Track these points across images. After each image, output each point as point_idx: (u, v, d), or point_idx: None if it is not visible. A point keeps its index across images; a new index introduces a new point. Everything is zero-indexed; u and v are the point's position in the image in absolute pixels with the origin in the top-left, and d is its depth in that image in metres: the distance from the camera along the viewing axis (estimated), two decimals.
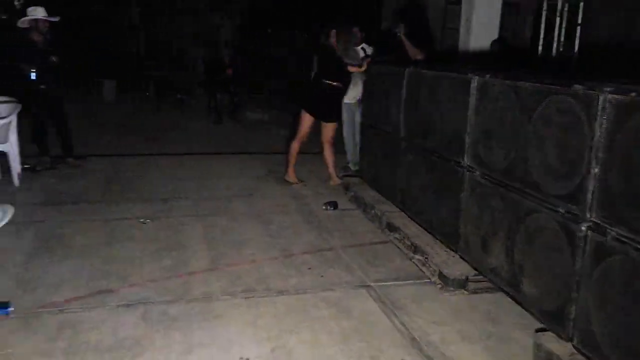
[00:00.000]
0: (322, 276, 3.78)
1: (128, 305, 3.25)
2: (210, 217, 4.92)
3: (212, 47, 13.84)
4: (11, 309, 3.10)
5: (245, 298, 3.41)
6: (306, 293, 3.51)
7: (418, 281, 3.76)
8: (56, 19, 6.26)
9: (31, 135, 6.45)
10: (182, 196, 5.53)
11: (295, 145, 6.07)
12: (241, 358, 2.77)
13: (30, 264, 3.78)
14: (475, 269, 3.59)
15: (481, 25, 7.35)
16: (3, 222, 2.20)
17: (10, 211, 2.25)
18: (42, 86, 6.19)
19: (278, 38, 14.71)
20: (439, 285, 3.65)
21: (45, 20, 6.15)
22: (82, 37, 13.40)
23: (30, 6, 6.27)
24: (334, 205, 5.34)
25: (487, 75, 3.47)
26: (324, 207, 5.31)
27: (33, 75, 6.12)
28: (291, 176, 6.13)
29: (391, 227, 4.59)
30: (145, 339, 2.89)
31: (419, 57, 6.17)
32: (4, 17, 6.69)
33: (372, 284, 3.68)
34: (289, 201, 5.53)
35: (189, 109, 11.78)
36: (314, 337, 2.99)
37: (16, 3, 14.61)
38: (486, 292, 3.53)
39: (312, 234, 4.64)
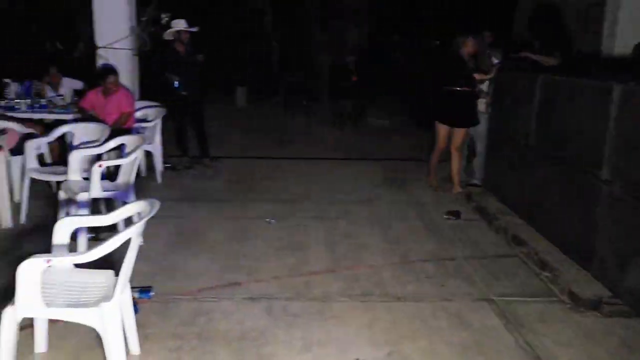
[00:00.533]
0: (442, 285, 3.73)
1: (253, 299, 3.44)
2: (332, 220, 5.05)
3: (340, 54, 14.16)
4: (152, 293, 3.42)
5: (363, 301, 3.46)
6: (424, 301, 3.49)
7: (545, 299, 3.57)
8: (195, 29, 6.79)
9: (175, 137, 7.04)
10: (306, 199, 5.72)
11: (434, 158, 6.12)
12: (357, 359, 2.82)
13: (170, 255, 4.15)
14: (611, 291, 3.33)
15: (628, 27, 6.78)
16: (150, 215, 2.45)
17: (156, 205, 2.50)
18: (185, 93, 6.73)
19: (406, 45, 14.66)
20: (569, 305, 3.43)
21: (186, 31, 6.69)
22: (219, 46, 14.36)
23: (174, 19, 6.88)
24: (457, 214, 5.23)
25: (631, 83, 3.22)
26: (445, 216, 5.22)
27: (177, 84, 6.66)
28: (433, 182, 6.16)
29: (517, 241, 4.40)
30: (268, 332, 3.05)
31: (552, 63, 5.85)
32: (152, 29, 7.36)
33: (494, 298, 3.56)
34: (409, 208, 5.51)
35: (314, 115, 12.15)
36: (432, 346, 2.96)
37: (163, 16, 16.11)
38: (622, 316, 3.26)
39: (432, 242, 4.58)
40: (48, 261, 2.26)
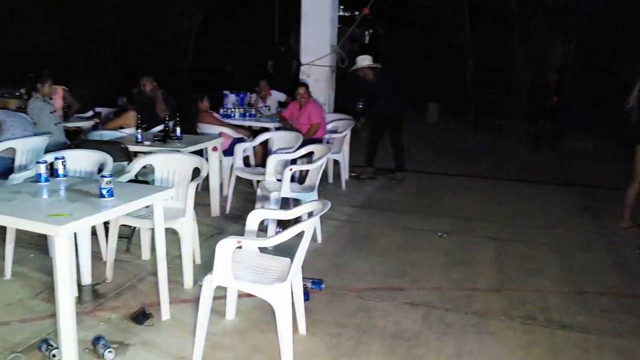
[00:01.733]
0: (616, 321, 3.49)
1: (413, 304, 3.63)
2: (506, 242, 4.98)
3: (542, 71, 13.48)
4: (323, 286, 3.82)
5: (523, 323, 3.42)
6: (591, 333, 3.32)
7: None
8: (377, 65, 7.08)
9: (366, 148, 7.44)
10: (484, 218, 5.69)
11: (632, 189, 5.39)
12: None
13: (343, 254, 4.54)
14: None
15: None
16: (321, 213, 2.81)
17: (327, 205, 2.86)
18: (388, 111, 7.04)
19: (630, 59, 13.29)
20: None
21: (370, 67, 7.02)
22: (416, 63, 14.69)
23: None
24: None
25: None
26: (638, 251, 4.79)
27: (360, 106, 7.13)
28: (625, 218, 5.50)
29: None
30: (422, 336, 3.22)
31: None
32: (343, 66, 7.94)
33: None
34: (597, 239, 5.15)
35: (506, 135, 11.77)
36: None
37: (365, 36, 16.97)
38: None
39: (615, 276, 4.27)
40: (238, 242, 2.76)
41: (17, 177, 4.02)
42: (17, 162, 4.55)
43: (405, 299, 3.71)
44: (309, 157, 5.48)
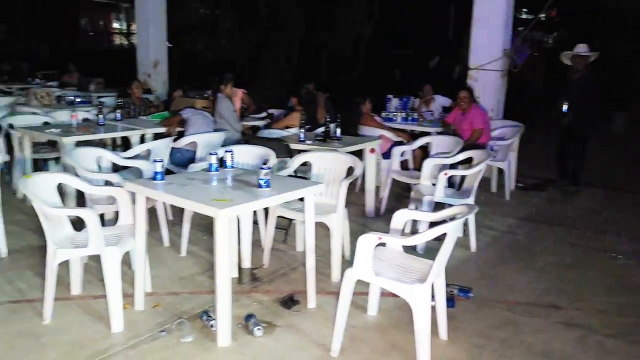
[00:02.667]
0: None
1: (568, 325, 3.35)
2: None
3: None
4: (471, 295, 3.69)
5: None
6: None
7: None
8: (593, 55, 6.36)
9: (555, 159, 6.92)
10: None
11: None
12: None
13: (497, 265, 4.34)
14: None
15: None
16: (466, 217, 2.74)
17: (474, 209, 2.78)
18: (568, 119, 6.38)
19: None
20: None
21: (582, 56, 6.32)
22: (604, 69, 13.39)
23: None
24: None
25: None
26: None
27: (565, 108, 6.45)
28: None
29: None
30: (574, 359, 2.96)
31: None
32: (530, 51, 7.46)
33: None
34: None
35: None
36: None
37: (547, 39, 15.86)
38: None
39: None
40: (379, 238, 2.81)
41: (195, 167, 4.55)
42: (197, 154, 5.14)
43: (561, 319, 3.44)
44: (468, 163, 5.33)
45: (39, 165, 5.97)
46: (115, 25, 30.33)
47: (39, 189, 3.22)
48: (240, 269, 3.95)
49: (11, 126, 5.79)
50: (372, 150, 5.47)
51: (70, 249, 3.17)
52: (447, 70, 12.08)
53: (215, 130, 5.63)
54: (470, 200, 4.56)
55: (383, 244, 3.11)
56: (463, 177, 4.99)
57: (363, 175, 5.57)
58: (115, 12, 30.08)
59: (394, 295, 2.96)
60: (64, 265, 3.35)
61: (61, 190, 4.05)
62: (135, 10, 10.13)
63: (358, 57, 15.62)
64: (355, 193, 6.04)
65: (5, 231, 4.12)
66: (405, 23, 15.60)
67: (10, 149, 5.84)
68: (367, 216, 5.48)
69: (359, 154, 5.09)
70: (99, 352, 2.88)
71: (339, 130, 5.32)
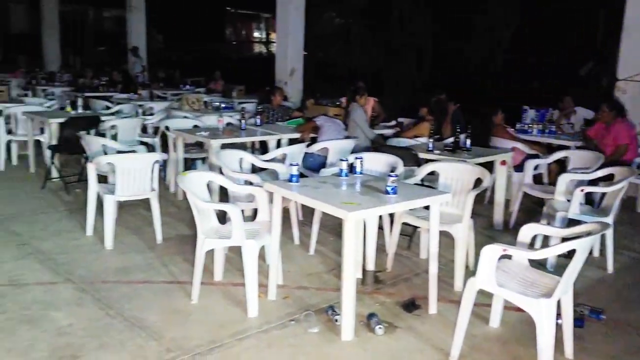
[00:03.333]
0: None
1: None
2: None
3: None
4: (603, 317, 3.52)
5: None
6: None
7: None
8: None
9: None
10: None
11: None
12: None
13: (635, 288, 4.09)
14: None
15: None
16: (598, 234, 2.66)
17: (606, 228, 2.68)
18: None
19: None
20: None
21: None
22: None
23: None
24: None
25: None
26: None
27: None
28: None
29: None
30: None
31: None
32: None
33: None
34: None
35: None
36: None
37: None
38: None
39: None
40: (504, 250, 2.82)
41: (326, 171, 4.82)
42: (328, 160, 5.43)
43: None
44: (609, 180, 5.03)
45: (188, 164, 6.64)
46: (256, 34, 32.33)
47: (193, 185, 3.65)
48: (364, 270, 4.12)
49: (167, 128, 6.52)
50: (503, 163, 5.37)
51: (216, 239, 3.56)
52: (596, 79, 11.34)
53: (347, 137, 5.89)
54: (609, 219, 4.31)
55: (508, 257, 3.12)
56: (603, 195, 4.73)
57: (493, 188, 5.50)
58: (256, 22, 32.08)
59: (519, 310, 2.95)
60: (209, 254, 3.75)
61: (207, 187, 4.53)
62: (276, 20, 10.67)
63: (494, 65, 15.16)
64: (483, 205, 5.96)
65: (161, 221, 4.69)
66: (547, 30, 14.82)
67: (165, 149, 6.59)
68: (495, 229, 5.39)
69: (489, 165, 5.04)
70: (237, 332, 3.21)
71: (468, 141, 5.30)
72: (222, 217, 3.79)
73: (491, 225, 5.43)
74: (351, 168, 3.89)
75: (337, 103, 6.89)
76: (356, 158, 3.93)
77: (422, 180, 4.42)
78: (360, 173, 3.87)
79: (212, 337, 3.16)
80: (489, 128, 6.25)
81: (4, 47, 21.03)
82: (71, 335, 3.12)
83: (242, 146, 6.86)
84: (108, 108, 8.12)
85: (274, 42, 19.02)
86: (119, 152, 5.43)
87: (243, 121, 6.29)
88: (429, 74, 16.00)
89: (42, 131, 6.89)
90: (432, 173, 4.50)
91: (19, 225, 4.91)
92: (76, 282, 3.82)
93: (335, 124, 6.01)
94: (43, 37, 17.51)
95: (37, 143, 6.99)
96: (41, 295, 3.61)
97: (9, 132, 7.13)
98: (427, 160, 4.83)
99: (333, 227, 4.88)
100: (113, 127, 6.54)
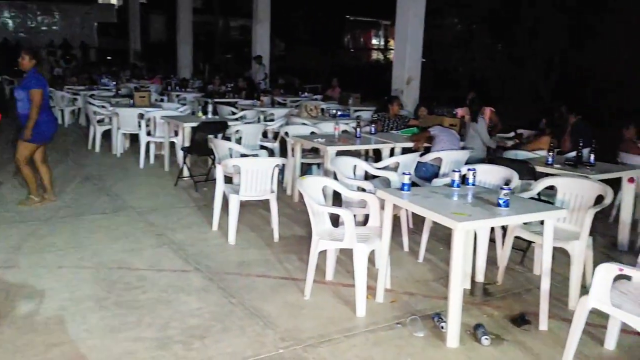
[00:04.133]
0: None
1: None
2: None
3: None
4: None
5: None
6: None
7: None
8: None
9: None
10: None
11: None
12: None
13: None
14: None
15: None
16: None
17: None
18: None
19: None
20: None
21: None
22: None
23: None
24: None
25: None
26: None
27: None
28: None
29: None
30: None
31: None
32: None
33: None
34: None
35: None
36: None
37: None
38: None
39: None
40: (620, 269, 2.74)
41: (438, 182, 4.87)
42: (441, 170, 5.47)
43: None
44: None
45: (304, 169, 6.98)
46: (374, 41, 32.63)
47: (310, 188, 3.91)
48: (473, 282, 4.13)
49: (286, 134, 6.90)
50: (631, 180, 5.09)
51: (329, 241, 3.78)
52: None
53: (462, 148, 5.88)
54: None
55: (628, 278, 3.01)
56: None
57: (619, 206, 5.24)
58: (375, 29, 32.38)
59: (638, 334, 2.84)
60: (321, 255, 3.98)
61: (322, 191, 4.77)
62: (395, 27, 10.62)
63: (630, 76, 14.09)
64: (607, 224, 5.67)
65: (278, 221, 5.02)
66: None
67: (283, 153, 6.99)
68: (619, 249, 5.11)
69: (616, 182, 4.81)
70: (345, 329, 3.40)
71: (592, 156, 5.08)
72: (336, 221, 4.01)
73: (614, 245, 5.15)
74: (464, 179, 3.94)
75: (454, 113, 6.86)
76: (469, 169, 3.96)
77: (539, 194, 4.33)
78: (473, 184, 3.90)
79: (322, 331, 3.37)
80: (618, 143, 5.93)
81: (144, 55, 23.15)
82: (199, 318, 3.49)
83: (356, 153, 7.10)
84: (233, 114, 8.74)
85: (392, 49, 19.12)
86: (243, 155, 5.87)
87: (358, 129, 6.50)
88: (556, 84, 15.22)
89: (176, 134, 7.58)
90: (551, 187, 4.39)
91: (156, 218, 5.50)
92: (203, 271, 4.23)
93: (450, 135, 6.01)
94: (178, 46, 19.04)
95: (172, 144, 7.70)
96: (175, 280, 4.06)
97: (148, 134, 7.94)
98: (546, 175, 4.71)
99: (443, 237, 4.91)
100: (238, 131, 7.06)
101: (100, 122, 8.97)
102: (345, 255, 4.20)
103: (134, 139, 8.50)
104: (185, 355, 3.08)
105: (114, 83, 13.09)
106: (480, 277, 4.23)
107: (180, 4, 18.65)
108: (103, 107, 9.09)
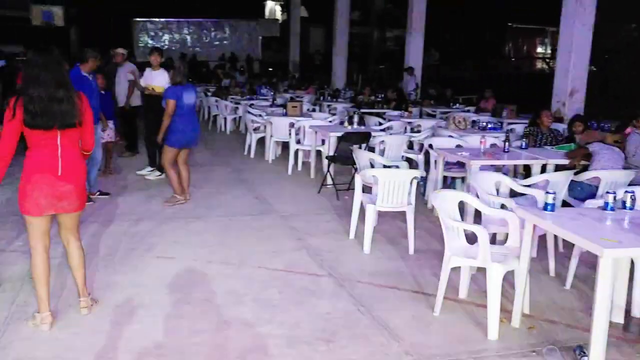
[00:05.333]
0: None
1: None
2: None
3: None
4: None
5: None
6: None
7: None
8: None
9: None
10: None
11: None
12: None
13: None
14: None
15: None
16: None
17: None
18: None
19: None
20: None
21: None
22: None
23: None
24: None
25: None
26: None
27: None
28: None
29: None
30: None
31: None
32: None
33: None
34: None
35: None
36: None
37: None
38: None
39: None
40: None
41: (591, 203, 4.45)
42: (599, 191, 4.98)
43: None
44: None
45: (447, 182, 6.81)
46: (539, 49, 30.74)
47: (445, 202, 3.82)
48: (628, 316, 3.72)
49: (430, 146, 6.80)
50: None
51: (462, 258, 3.66)
52: None
53: (626, 168, 5.32)
54: None
55: None
56: None
57: None
58: (540, 36, 30.50)
59: None
60: (456, 272, 3.87)
61: (463, 206, 4.64)
62: (559, 35, 9.88)
63: None
64: None
65: (414, 234, 4.98)
66: None
67: (427, 165, 6.90)
68: None
69: None
70: (474, 351, 3.28)
71: None
72: (473, 238, 3.87)
73: None
74: (623, 203, 3.56)
75: (612, 129, 6.22)
76: (626, 192, 3.58)
77: None
78: (630, 209, 3.51)
79: (448, 349, 3.28)
80: None
81: (302, 66, 24.34)
82: (328, 322, 3.59)
83: (505, 169, 6.77)
84: (380, 124, 8.83)
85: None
86: (385, 166, 5.91)
87: (507, 143, 6.19)
88: None
89: (322, 142, 7.87)
90: None
91: (298, 222, 5.76)
92: (336, 277, 4.35)
93: (613, 152, 5.45)
94: (333, 57, 19.69)
95: (318, 153, 8.00)
96: (308, 283, 4.22)
97: (298, 142, 8.34)
98: None
99: (596, 264, 4.48)
100: (382, 142, 7.12)
101: (256, 130, 9.64)
102: (483, 274, 4.03)
103: (285, 146, 8.99)
104: (311, 356, 3.20)
105: (272, 93, 13.94)
106: (637, 312, 3.80)
107: (338, 17, 19.30)
108: (260, 116, 9.75)
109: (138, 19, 26.67)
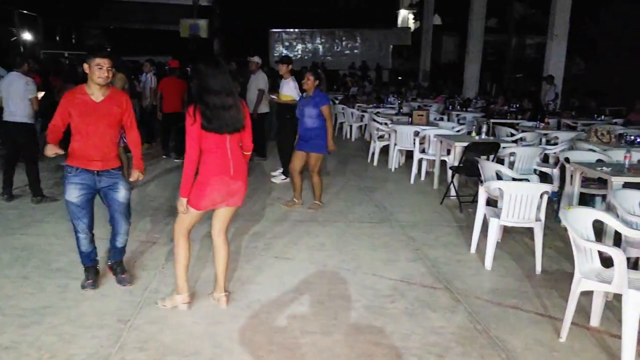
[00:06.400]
0: None
1: None
2: None
3: None
4: None
5: None
6: None
7: None
8: None
9: None
10: None
11: None
12: None
13: None
14: None
15: None
16: None
17: None
18: None
19: None
20: None
21: None
22: None
23: None
24: None
25: None
26: None
27: None
28: None
29: None
30: None
31: None
32: None
33: None
34: None
35: None
36: None
37: None
38: None
39: None
40: None
41: None
42: None
43: None
44: None
45: (585, 199, 6.25)
46: None
47: (576, 221, 3.50)
48: None
49: (567, 160, 6.29)
50: None
51: (594, 282, 3.32)
52: None
53: None
54: None
55: None
56: None
57: None
58: None
59: None
60: (588, 297, 3.53)
61: (601, 227, 4.24)
62: None
63: None
64: None
65: (543, 253, 4.63)
66: None
67: (562, 181, 6.39)
68: None
69: None
70: None
71: None
72: (610, 261, 3.50)
73: None
74: None
75: None
76: None
77: None
78: None
79: None
80: None
81: (432, 75, 23.90)
82: (440, 336, 3.45)
83: None
84: (512, 135, 8.36)
85: None
86: (514, 179, 5.57)
87: None
88: None
89: (448, 152, 7.63)
90: None
91: (416, 233, 5.63)
92: (453, 291, 4.17)
93: None
94: (466, 66, 19.07)
95: (443, 163, 7.77)
96: (423, 295, 4.10)
97: (422, 151, 8.18)
98: None
99: None
100: (512, 154, 6.73)
101: (380, 138, 9.62)
102: (620, 302, 3.63)
103: (409, 155, 8.85)
104: None
105: (399, 102, 13.85)
106: None
107: (472, 24, 18.68)
108: (385, 124, 9.72)
109: (274, 30, 28.03)
